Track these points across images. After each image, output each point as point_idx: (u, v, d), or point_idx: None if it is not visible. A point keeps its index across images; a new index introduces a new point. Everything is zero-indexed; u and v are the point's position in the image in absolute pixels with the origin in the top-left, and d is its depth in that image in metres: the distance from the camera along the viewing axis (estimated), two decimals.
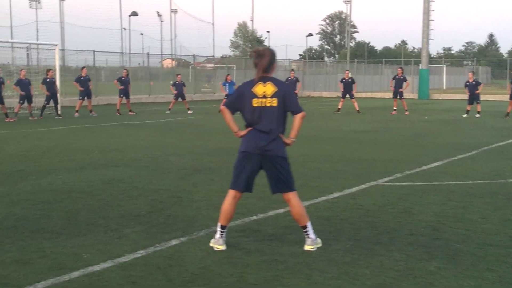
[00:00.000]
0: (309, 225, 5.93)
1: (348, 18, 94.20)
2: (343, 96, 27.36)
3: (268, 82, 5.82)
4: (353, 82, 27.50)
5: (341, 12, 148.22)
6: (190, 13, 63.70)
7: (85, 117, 23.50)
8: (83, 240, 6.21)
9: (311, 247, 5.86)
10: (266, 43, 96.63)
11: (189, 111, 26.39)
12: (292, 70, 30.44)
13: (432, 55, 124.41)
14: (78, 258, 5.59)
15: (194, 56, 46.48)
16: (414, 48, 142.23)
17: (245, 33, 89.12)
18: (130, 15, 40.49)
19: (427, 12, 42.11)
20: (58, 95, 23.96)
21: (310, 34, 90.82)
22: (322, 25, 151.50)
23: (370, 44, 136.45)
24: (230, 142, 15.19)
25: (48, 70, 23.74)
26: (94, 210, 7.57)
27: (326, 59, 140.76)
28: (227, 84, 27.20)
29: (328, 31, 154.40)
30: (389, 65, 69.96)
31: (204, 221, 7.02)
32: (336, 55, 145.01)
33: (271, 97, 5.77)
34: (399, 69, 27.44)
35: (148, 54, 41.53)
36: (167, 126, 20.04)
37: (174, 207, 7.74)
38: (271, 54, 5.87)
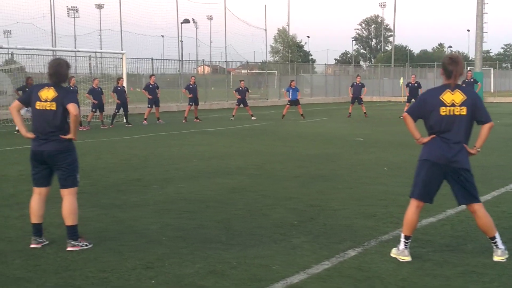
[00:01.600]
0: (497, 236, 5.80)
1: (384, 21, 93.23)
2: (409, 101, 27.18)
3: (456, 90, 5.71)
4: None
5: (377, 16, 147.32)
6: (243, 19, 62.91)
7: (154, 125, 23.59)
8: (258, 250, 6.16)
9: (502, 258, 5.72)
10: (306, 48, 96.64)
11: (252, 117, 26.34)
12: (358, 75, 30.23)
13: (470, 58, 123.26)
14: (268, 269, 5.54)
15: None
16: (452, 51, 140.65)
17: (285, 38, 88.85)
18: (182, 23, 40.52)
19: (480, 15, 41.53)
20: (128, 103, 24.10)
21: (356, 39, 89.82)
22: (357, 29, 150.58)
23: (407, 48, 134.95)
24: (319, 148, 15.15)
25: (119, 79, 23.96)
26: (243, 220, 7.53)
27: (362, 63, 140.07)
28: (290, 89, 27.13)
29: (364, 35, 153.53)
30: (428, 69, 69.30)
31: (364, 231, 6.94)
32: (372, 59, 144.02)
33: (460, 105, 5.65)
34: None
35: (203, 61, 41.74)
36: (244, 133, 20.01)
37: (321, 217, 7.66)
38: (462, 61, 5.77)
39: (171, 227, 7.17)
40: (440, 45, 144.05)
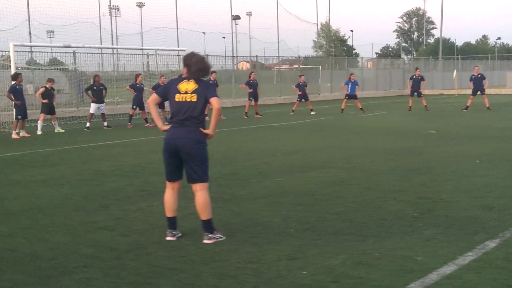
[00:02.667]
0: None
1: (426, 14, 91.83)
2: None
3: None
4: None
5: (418, 9, 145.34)
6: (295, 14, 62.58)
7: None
8: (393, 242, 6.18)
9: None
10: (349, 42, 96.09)
11: (312, 112, 26.32)
12: (417, 68, 29.91)
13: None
14: (414, 261, 5.55)
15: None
16: (496, 42, 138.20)
17: (328, 33, 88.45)
18: (233, 19, 40.74)
19: None
20: None
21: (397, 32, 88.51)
22: (399, 22, 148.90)
23: (450, 40, 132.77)
24: (397, 141, 15.07)
25: (213, 73, 24.19)
26: (361, 212, 7.56)
27: (403, 56, 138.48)
28: (350, 83, 27.05)
29: (405, 28, 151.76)
30: (470, 61, 68.07)
31: (491, 222, 6.90)
32: (414, 53, 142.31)
33: None
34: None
35: (256, 56, 41.90)
36: (310, 128, 20.01)
37: (439, 208, 7.64)
38: None
39: (293, 220, 7.24)
40: (484, 36, 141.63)
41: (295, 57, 49.71)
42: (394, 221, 7.06)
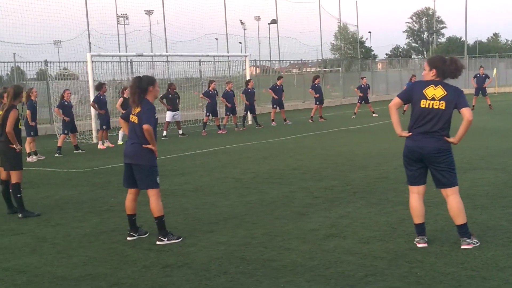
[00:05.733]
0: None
1: (435, 13, 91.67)
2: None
3: None
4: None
5: (428, 9, 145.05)
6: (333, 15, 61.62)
7: (285, 125, 23.62)
8: None
9: None
10: (367, 44, 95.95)
11: (374, 114, 26.16)
12: (481, 66, 29.63)
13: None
14: None
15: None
16: (507, 40, 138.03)
17: (346, 35, 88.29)
18: (269, 23, 40.65)
19: None
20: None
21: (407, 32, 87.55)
22: (408, 22, 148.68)
23: (461, 39, 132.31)
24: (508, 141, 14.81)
25: (249, 81, 24.02)
26: None
27: (414, 56, 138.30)
28: (410, 84, 26.88)
29: (415, 28, 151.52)
30: (483, 60, 67.76)
31: None
32: (425, 53, 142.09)
33: None
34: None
35: (301, 60, 41.79)
36: (391, 130, 19.74)
37: None
38: None
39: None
40: (495, 34, 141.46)
41: (317, 59, 49.26)
42: None
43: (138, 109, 7.05)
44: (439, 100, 6.16)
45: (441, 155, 6.19)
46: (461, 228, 6.31)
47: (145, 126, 6.88)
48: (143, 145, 6.97)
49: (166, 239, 6.99)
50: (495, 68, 45.01)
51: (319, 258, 6.12)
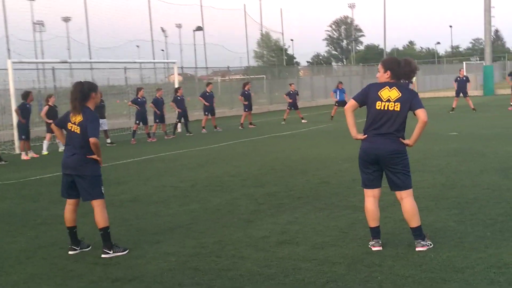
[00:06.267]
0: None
1: (353, 22, 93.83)
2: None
3: None
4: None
5: (346, 17, 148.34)
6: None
7: (215, 133, 23.42)
8: None
9: None
10: (290, 51, 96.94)
11: (303, 120, 26.37)
12: (461, 69, 29.87)
13: (440, 54, 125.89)
14: None
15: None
16: (422, 48, 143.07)
17: (268, 42, 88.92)
18: (195, 30, 40.30)
19: (488, 9, 42.26)
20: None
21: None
22: (328, 30, 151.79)
23: (379, 47, 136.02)
24: (441, 144, 15.11)
25: (178, 88, 23.70)
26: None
27: (334, 64, 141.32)
28: (338, 91, 27.34)
29: (334, 36, 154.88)
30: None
31: None
32: (344, 60, 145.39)
33: None
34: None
35: (228, 67, 41.56)
36: (322, 135, 19.96)
37: None
38: None
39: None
40: (411, 42, 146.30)
41: (241, 67, 49.35)
42: None
43: (79, 118, 6.68)
44: (394, 101, 6.14)
45: (397, 157, 6.18)
46: (415, 230, 6.29)
47: (92, 140, 6.55)
48: (87, 156, 6.62)
49: (112, 252, 6.66)
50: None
51: (275, 266, 5.95)
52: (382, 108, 6.15)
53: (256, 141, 19.18)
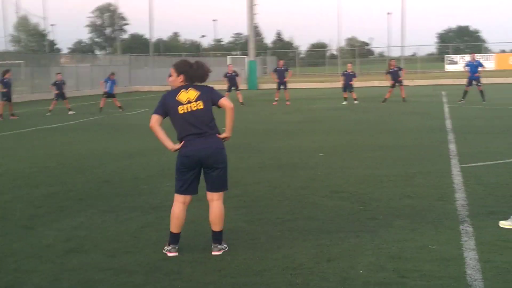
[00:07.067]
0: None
1: (117, 10, 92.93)
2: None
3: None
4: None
5: (109, 5, 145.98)
6: None
7: None
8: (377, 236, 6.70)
9: None
10: (50, 36, 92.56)
11: (70, 112, 25.38)
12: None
13: (203, 47, 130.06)
14: (429, 250, 6.10)
15: None
16: (186, 40, 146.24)
17: (26, 26, 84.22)
18: None
19: (251, 6, 44.32)
20: None
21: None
22: (91, 17, 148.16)
23: (144, 37, 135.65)
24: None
25: None
26: (308, 209, 7.92)
27: (97, 52, 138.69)
28: (108, 81, 26.72)
29: (98, 23, 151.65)
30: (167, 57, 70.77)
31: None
32: (108, 48, 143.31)
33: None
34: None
35: None
36: (95, 127, 19.32)
37: (369, 200, 8.35)
38: None
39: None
40: (175, 34, 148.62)
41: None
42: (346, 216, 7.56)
43: None
44: (195, 100, 6.06)
45: (219, 154, 6.13)
46: (218, 234, 6.25)
47: None
48: None
49: None
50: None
51: (67, 279, 5.50)
52: (186, 111, 6.03)
53: (21, 134, 17.93)
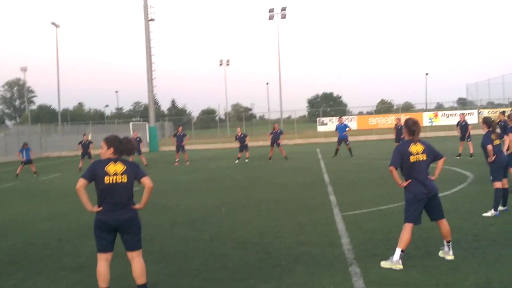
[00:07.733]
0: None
1: (26, 84, 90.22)
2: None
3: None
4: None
5: (18, 79, 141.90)
6: None
7: None
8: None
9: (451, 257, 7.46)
10: None
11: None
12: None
13: (107, 115, 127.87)
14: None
15: None
16: (91, 108, 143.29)
17: None
18: None
19: (151, 79, 44.38)
20: None
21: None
22: (1, 90, 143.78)
23: (51, 107, 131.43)
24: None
25: None
26: (211, 263, 7.96)
27: (7, 122, 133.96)
28: (24, 150, 25.70)
29: (7, 96, 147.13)
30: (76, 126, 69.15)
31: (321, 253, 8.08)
32: (18, 118, 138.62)
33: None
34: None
35: None
36: (14, 194, 18.39)
37: (268, 250, 8.51)
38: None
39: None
40: (80, 103, 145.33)
41: None
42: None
43: None
44: (121, 174, 6.16)
45: (133, 222, 6.17)
46: (143, 286, 6.22)
47: None
48: None
49: None
50: (90, 133, 46.06)
51: None
52: (111, 181, 6.09)
53: None
